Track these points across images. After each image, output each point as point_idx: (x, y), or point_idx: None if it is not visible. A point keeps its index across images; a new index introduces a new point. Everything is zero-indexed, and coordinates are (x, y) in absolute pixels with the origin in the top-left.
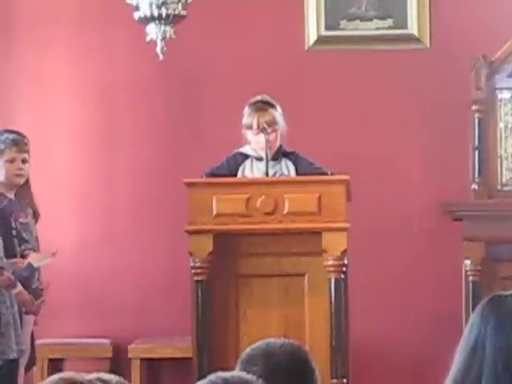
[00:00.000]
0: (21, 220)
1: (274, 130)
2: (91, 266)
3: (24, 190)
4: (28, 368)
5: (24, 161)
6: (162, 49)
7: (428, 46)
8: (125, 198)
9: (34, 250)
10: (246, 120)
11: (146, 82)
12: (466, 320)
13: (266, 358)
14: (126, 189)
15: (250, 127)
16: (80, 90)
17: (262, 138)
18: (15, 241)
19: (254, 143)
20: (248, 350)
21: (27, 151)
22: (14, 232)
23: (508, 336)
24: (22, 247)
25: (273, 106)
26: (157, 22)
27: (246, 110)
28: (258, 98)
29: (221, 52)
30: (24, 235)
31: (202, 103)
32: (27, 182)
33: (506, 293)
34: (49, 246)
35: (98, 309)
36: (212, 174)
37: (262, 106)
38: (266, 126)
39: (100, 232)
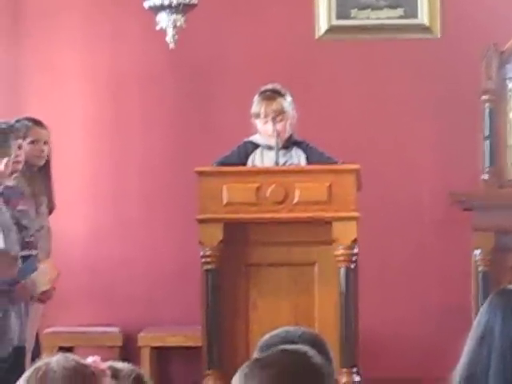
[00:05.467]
0: (19, 207)
1: (282, 119)
2: (101, 254)
3: (41, 176)
4: (33, 358)
5: (46, 143)
6: (172, 38)
7: (438, 35)
8: (135, 187)
9: (35, 237)
10: (254, 108)
11: (157, 71)
12: (476, 310)
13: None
14: (136, 178)
15: (257, 116)
16: (90, 78)
17: (269, 126)
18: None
19: (263, 132)
20: (267, 336)
21: (48, 135)
22: (13, 220)
23: None
24: (23, 234)
25: (282, 95)
26: (167, 10)
27: (255, 98)
28: (269, 86)
29: (231, 41)
30: (24, 222)
31: (213, 92)
32: (47, 170)
33: None
34: (60, 235)
35: (107, 297)
36: (222, 163)
37: (270, 95)
38: (273, 114)
39: (110, 221)
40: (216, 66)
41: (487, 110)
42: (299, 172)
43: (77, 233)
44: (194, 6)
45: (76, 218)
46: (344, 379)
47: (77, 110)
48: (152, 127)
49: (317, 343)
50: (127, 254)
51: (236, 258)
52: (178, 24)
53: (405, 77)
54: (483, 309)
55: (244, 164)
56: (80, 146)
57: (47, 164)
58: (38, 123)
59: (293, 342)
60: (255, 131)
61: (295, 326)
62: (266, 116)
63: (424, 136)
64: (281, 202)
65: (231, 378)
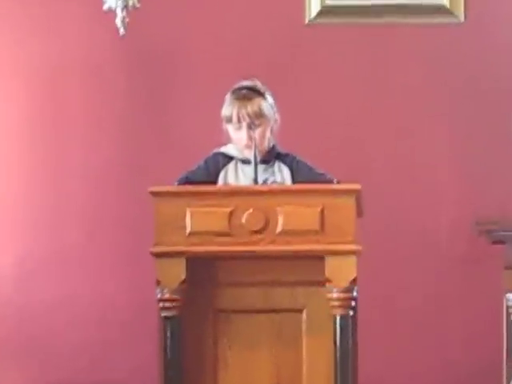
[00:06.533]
0: None
1: (261, 125)
2: (32, 294)
3: None
4: None
5: None
6: (122, 20)
7: (462, 19)
8: (76, 208)
9: None
10: (224, 111)
11: (103, 62)
12: (508, 371)
13: None
14: (77, 198)
15: (229, 120)
16: (23, 72)
17: (244, 134)
18: None
19: (236, 141)
20: None
21: None
22: None
23: None
24: None
25: (260, 94)
26: None
27: (227, 98)
28: (244, 83)
29: (198, 25)
30: None
31: (174, 90)
32: None
33: None
34: None
35: (39, 351)
36: (185, 181)
37: (246, 94)
38: (248, 118)
39: (44, 251)
40: (178, 56)
41: None
42: (283, 193)
43: (1, 266)
44: None
45: (0, 246)
46: None
47: (4, 112)
48: (97, 133)
49: None
50: (65, 294)
51: (202, 303)
52: (130, 3)
53: (418, 70)
54: None
55: (214, 182)
56: (7, 157)
57: None
58: None
59: None
60: (228, 140)
61: None
62: (239, 120)
63: (443, 146)
64: (260, 232)
65: None
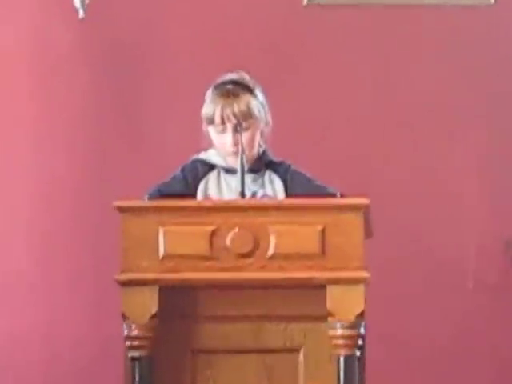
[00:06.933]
0: None
1: (249, 127)
2: None
3: None
4: None
5: None
6: (82, 2)
7: (492, 1)
8: (26, 226)
9: None
10: (206, 110)
11: (59, 52)
12: None
13: None
14: (27, 211)
15: (211, 121)
16: None
17: (229, 137)
18: None
19: (219, 146)
20: None
21: None
22: None
23: None
24: None
25: (249, 90)
26: None
27: (209, 94)
28: (229, 76)
29: (175, 6)
30: None
31: (144, 85)
32: None
33: None
34: None
35: None
36: (158, 194)
37: (232, 90)
38: (234, 119)
39: None
40: (151, 44)
41: None
42: (276, 208)
43: None
44: None
45: None
46: None
47: None
48: (52, 136)
49: None
50: (11, 329)
51: (178, 341)
52: None
53: (439, 59)
54: None
55: (192, 195)
56: None
57: None
58: None
59: None
60: (209, 145)
61: None
62: (223, 122)
63: (469, 152)
64: (248, 255)
65: None
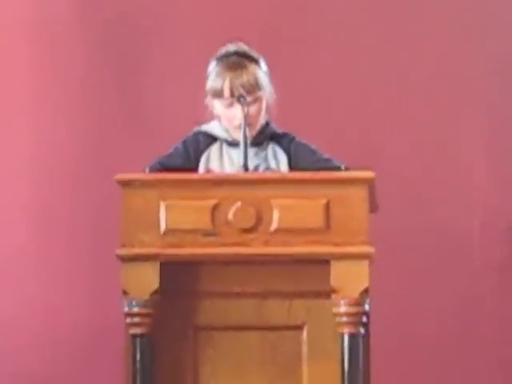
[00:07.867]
0: None
1: (257, 99)
2: None
3: None
4: None
5: None
6: None
7: None
8: (24, 200)
9: None
10: (212, 83)
11: (59, 22)
12: None
13: None
14: (25, 191)
15: (218, 94)
16: None
17: (237, 111)
18: None
19: (226, 120)
20: None
21: None
22: None
23: None
24: None
25: (254, 61)
26: None
27: (213, 67)
28: (232, 48)
29: None
30: None
31: (145, 58)
32: None
33: None
34: None
35: None
36: (160, 167)
37: (238, 62)
38: (243, 91)
39: None
40: (150, 16)
41: None
42: (279, 182)
43: None
44: None
45: None
46: None
47: None
48: (51, 112)
49: None
50: (10, 307)
51: (179, 318)
52: None
53: (448, 31)
54: None
55: (194, 169)
56: None
57: None
58: None
59: None
60: (211, 117)
61: None
62: (232, 95)
63: (476, 133)
64: (250, 230)
65: None
